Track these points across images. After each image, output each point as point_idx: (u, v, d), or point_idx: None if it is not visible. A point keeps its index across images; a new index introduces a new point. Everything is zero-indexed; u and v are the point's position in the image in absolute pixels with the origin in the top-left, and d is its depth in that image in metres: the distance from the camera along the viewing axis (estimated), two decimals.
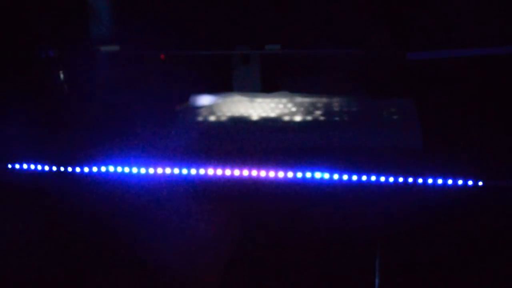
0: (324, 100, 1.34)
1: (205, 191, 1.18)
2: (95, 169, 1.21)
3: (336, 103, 1.32)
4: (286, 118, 1.27)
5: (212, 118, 1.27)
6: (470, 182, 1.11)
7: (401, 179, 1.12)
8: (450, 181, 1.11)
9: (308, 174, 1.15)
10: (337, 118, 1.25)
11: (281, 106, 1.32)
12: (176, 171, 1.18)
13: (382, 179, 1.13)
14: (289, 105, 1.32)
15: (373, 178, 1.13)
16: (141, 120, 1.35)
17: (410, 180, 1.12)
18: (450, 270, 1.16)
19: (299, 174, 1.15)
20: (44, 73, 1.44)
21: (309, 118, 1.26)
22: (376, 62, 1.46)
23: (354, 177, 1.14)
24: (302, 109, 1.30)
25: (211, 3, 1.39)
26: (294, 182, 1.15)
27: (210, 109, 1.31)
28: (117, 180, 1.20)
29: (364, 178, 1.13)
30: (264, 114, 1.28)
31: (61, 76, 1.44)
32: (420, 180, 1.12)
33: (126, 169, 1.20)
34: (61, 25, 1.46)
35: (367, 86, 1.42)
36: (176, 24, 1.41)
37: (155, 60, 1.52)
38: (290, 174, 1.15)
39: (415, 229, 1.15)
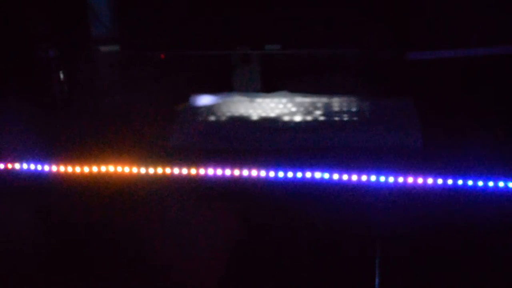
0: (324, 100, 1.34)
1: (205, 191, 1.18)
2: (95, 169, 1.21)
3: (336, 103, 1.32)
4: (286, 118, 1.27)
5: (212, 118, 1.27)
6: (470, 182, 1.11)
7: (401, 179, 1.12)
8: (450, 181, 1.11)
9: (308, 174, 1.15)
10: (337, 118, 1.25)
11: (281, 106, 1.32)
12: (176, 171, 1.18)
13: (382, 179, 1.13)
14: (289, 105, 1.32)
15: (373, 178, 1.13)
16: (141, 120, 1.35)
17: (410, 180, 1.12)
18: (450, 270, 1.16)
19: (299, 174, 1.15)
20: (44, 73, 1.44)
21: (309, 118, 1.26)
22: (376, 62, 1.46)
23: (354, 177, 1.14)
24: (302, 109, 1.30)
25: (211, 3, 1.39)
26: (294, 182, 1.15)
27: (210, 109, 1.31)
28: (117, 180, 1.20)
29: (364, 178, 1.13)
30: (264, 114, 1.28)
31: (61, 76, 1.44)
32: (420, 180, 1.12)
33: (126, 169, 1.20)
34: (61, 25, 1.46)
35: (367, 86, 1.42)
36: (176, 24, 1.41)
37: (155, 60, 1.52)
38: (290, 174, 1.15)
39: (415, 229, 1.15)
